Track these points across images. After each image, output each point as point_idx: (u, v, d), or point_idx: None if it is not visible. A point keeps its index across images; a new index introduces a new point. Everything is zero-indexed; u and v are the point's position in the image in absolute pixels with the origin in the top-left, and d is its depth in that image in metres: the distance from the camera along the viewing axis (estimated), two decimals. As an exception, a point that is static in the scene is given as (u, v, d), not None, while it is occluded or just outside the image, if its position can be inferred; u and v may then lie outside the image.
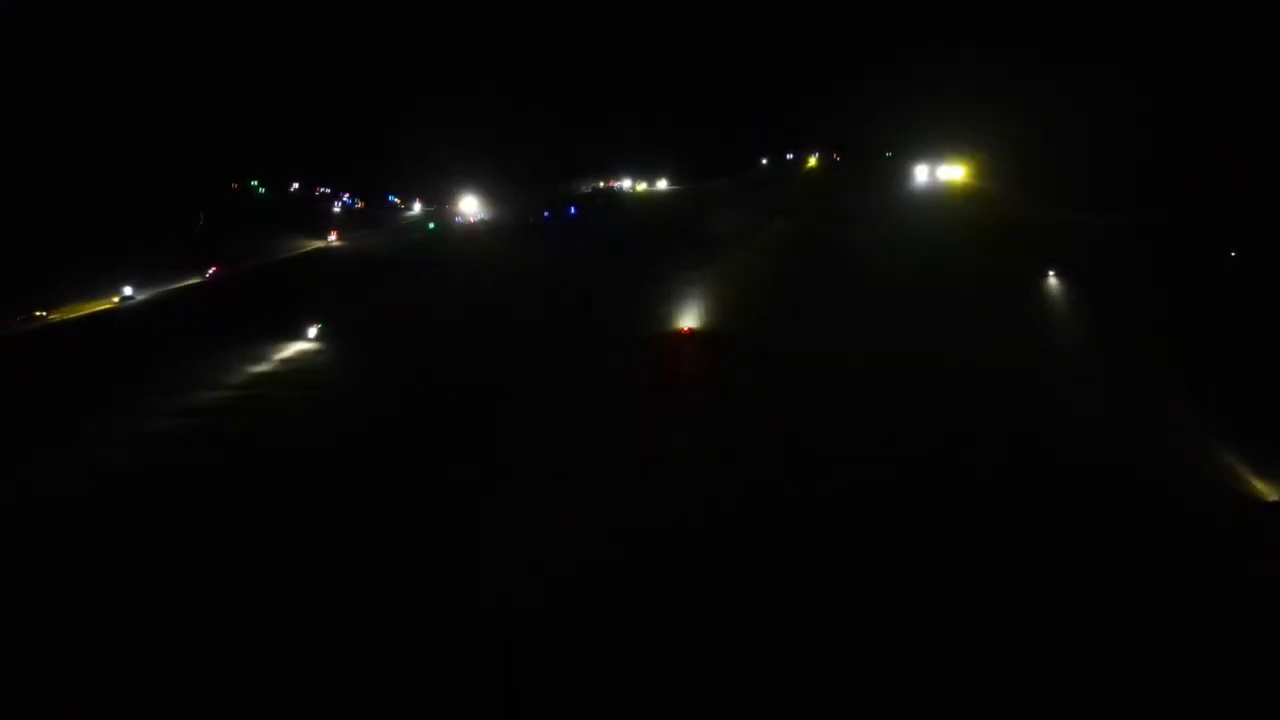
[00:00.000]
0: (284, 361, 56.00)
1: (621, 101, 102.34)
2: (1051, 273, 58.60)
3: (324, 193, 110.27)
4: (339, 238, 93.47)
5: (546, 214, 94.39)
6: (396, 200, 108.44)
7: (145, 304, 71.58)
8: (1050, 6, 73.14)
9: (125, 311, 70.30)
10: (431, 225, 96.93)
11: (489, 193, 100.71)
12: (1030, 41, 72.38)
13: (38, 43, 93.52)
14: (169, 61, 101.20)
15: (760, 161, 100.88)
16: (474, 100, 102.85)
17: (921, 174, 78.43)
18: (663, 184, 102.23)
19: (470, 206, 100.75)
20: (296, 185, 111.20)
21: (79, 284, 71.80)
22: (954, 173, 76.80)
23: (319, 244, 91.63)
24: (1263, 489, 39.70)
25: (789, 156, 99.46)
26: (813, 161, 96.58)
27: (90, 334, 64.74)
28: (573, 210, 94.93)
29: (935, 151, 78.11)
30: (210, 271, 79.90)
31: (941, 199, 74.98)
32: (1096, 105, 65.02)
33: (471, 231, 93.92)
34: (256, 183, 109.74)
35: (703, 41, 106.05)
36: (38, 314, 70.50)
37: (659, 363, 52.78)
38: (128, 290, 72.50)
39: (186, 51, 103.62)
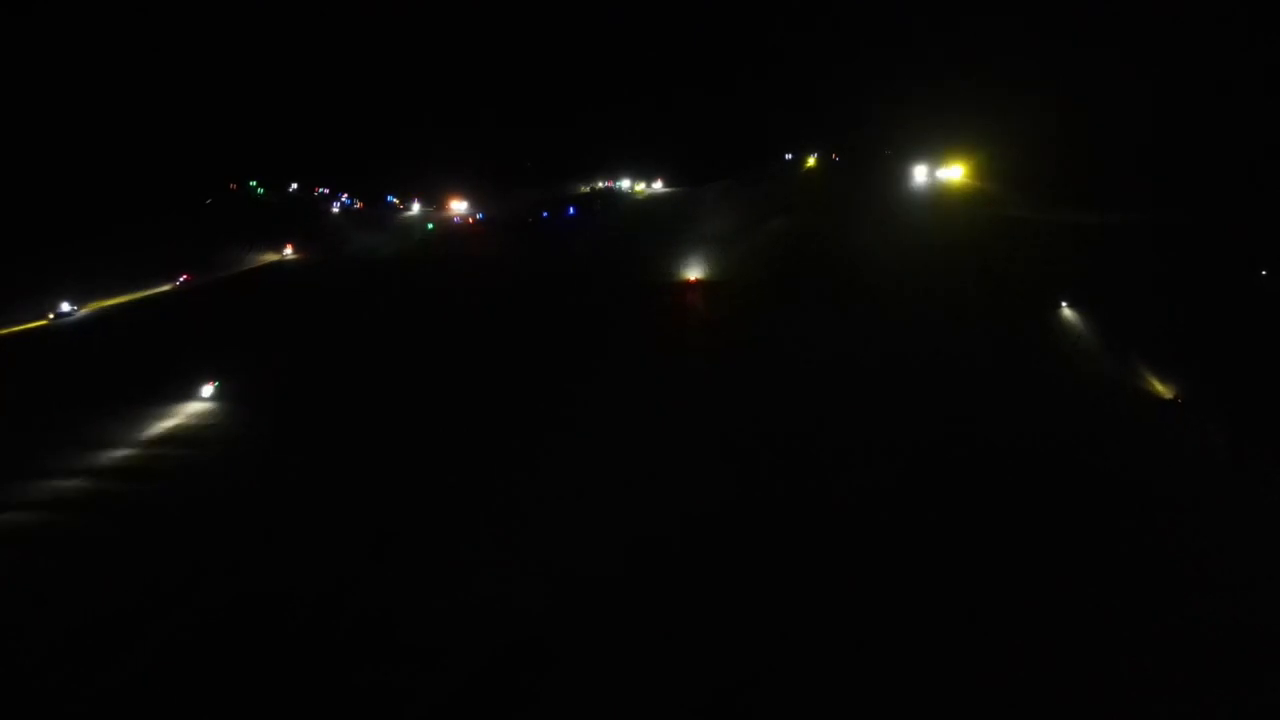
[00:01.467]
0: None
1: (620, 102, 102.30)
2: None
3: (322, 193, 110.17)
4: (294, 250, 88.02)
5: (545, 214, 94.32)
6: (395, 200, 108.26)
7: (62, 327, 67.41)
8: (1051, 6, 73.08)
9: (36, 335, 65.47)
10: (430, 225, 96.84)
11: (488, 193, 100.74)
12: (1030, 41, 72.36)
13: (36, 43, 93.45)
14: (169, 62, 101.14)
15: (759, 161, 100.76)
16: (473, 101, 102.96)
17: (920, 174, 78.37)
18: (658, 185, 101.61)
19: (461, 206, 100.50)
20: (295, 186, 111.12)
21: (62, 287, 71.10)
22: (953, 172, 76.76)
23: (274, 257, 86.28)
24: (1161, 389, 45.23)
25: (788, 156, 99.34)
26: (811, 161, 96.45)
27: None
28: (571, 210, 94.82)
29: (934, 151, 78.09)
30: (181, 279, 78.69)
31: (940, 198, 74.92)
32: (1096, 105, 64.94)
33: (467, 232, 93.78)
34: (255, 183, 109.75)
35: (701, 42, 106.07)
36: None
37: (656, 359, 52.64)
38: (65, 306, 69.54)
39: (186, 52, 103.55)
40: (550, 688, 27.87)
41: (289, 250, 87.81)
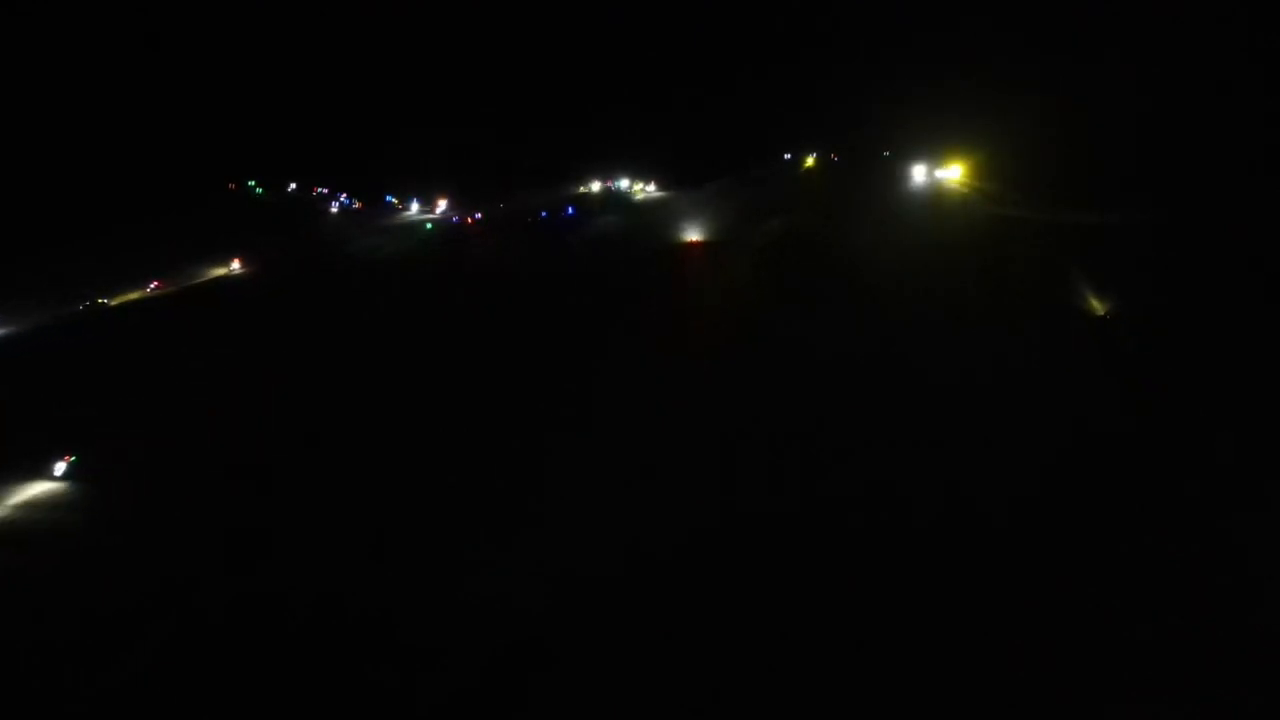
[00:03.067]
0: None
1: (619, 101, 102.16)
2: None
3: (321, 193, 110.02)
4: (242, 265, 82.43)
5: (544, 213, 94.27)
6: (394, 200, 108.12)
7: None
8: (1051, 5, 73.00)
9: None
10: (429, 225, 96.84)
11: (487, 193, 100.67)
12: (1030, 41, 72.28)
13: (32, 42, 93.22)
14: (167, 61, 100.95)
15: (758, 161, 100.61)
16: (472, 101, 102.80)
17: (919, 174, 78.33)
18: (651, 188, 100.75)
19: (459, 207, 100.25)
20: (294, 185, 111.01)
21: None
22: (952, 172, 76.64)
23: (220, 272, 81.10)
24: (1096, 305, 50.52)
25: (786, 156, 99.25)
26: (810, 161, 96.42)
27: None
28: (570, 210, 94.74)
29: (934, 151, 78.01)
30: (153, 286, 76.47)
31: (939, 198, 74.89)
32: (1097, 104, 64.83)
33: (466, 232, 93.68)
34: (254, 183, 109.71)
35: (700, 42, 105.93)
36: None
37: (655, 359, 52.58)
38: None
39: (185, 51, 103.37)
40: (550, 688, 27.85)
41: (236, 265, 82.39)
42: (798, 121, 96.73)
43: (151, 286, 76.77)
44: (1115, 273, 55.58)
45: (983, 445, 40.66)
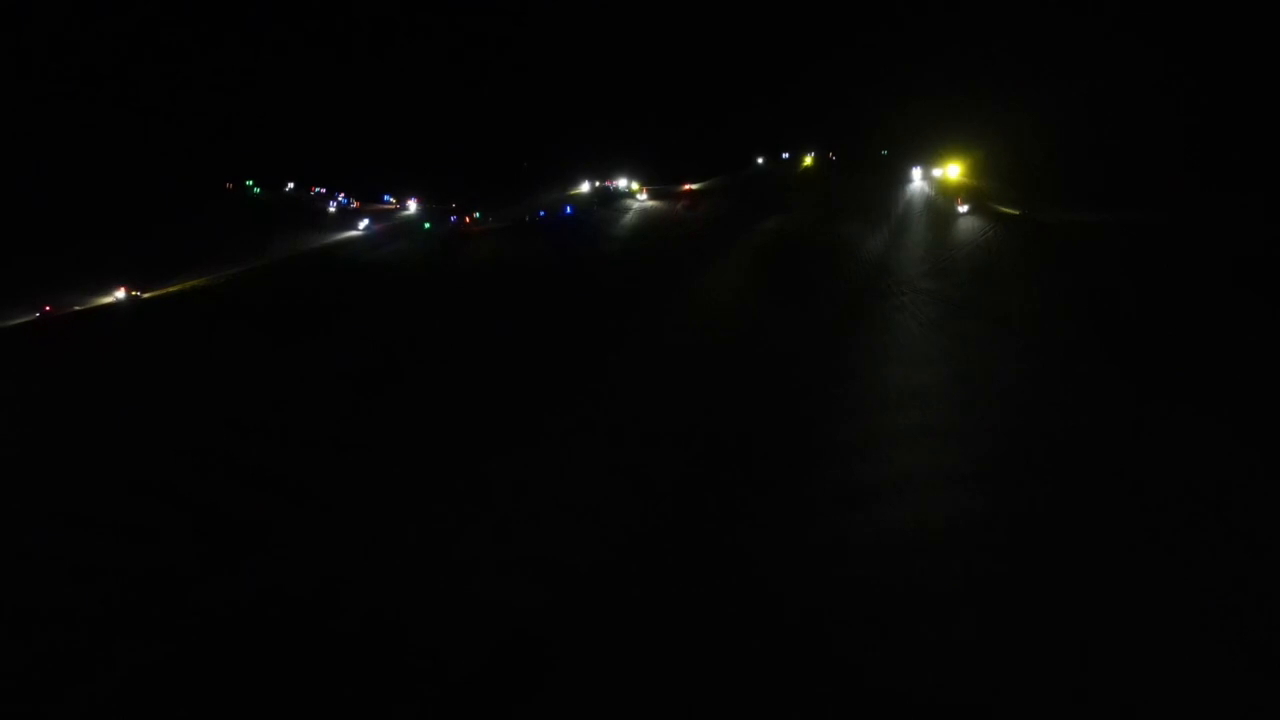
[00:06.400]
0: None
1: (614, 100, 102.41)
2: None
3: (319, 192, 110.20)
4: (129, 292, 74.14)
5: (542, 213, 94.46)
6: (391, 200, 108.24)
7: None
8: (1050, 5, 73.24)
9: None
10: (427, 225, 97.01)
11: (486, 193, 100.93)
12: (1030, 39, 72.51)
13: (30, 42, 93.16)
14: (166, 61, 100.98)
15: (756, 161, 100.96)
16: (470, 100, 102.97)
17: (918, 173, 78.49)
18: (644, 196, 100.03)
19: (441, 205, 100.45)
20: (292, 185, 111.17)
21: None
22: (951, 172, 76.73)
23: (117, 297, 73.75)
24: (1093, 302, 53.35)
25: (784, 156, 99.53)
26: (808, 161, 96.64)
27: None
28: (569, 210, 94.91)
29: (933, 150, 78.20)
30: (44, 310, 72.09)
31: (938, 197, 75.03)
32: (1097, 103, 65.02)
33: (464, 231, 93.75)
34: (251, 182, 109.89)
35: (697, 41, 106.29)
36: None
37: (655, 357, 52.64)
38: None
39: (184, 50, 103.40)
40: (550, 687, 27.80)
41: (121, 293, 74.86)
42: (796, 121, 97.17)
43: (43, 310, 72.96)
44: (1113, 272, 55.74)
45: (982, 444, 40.65)
